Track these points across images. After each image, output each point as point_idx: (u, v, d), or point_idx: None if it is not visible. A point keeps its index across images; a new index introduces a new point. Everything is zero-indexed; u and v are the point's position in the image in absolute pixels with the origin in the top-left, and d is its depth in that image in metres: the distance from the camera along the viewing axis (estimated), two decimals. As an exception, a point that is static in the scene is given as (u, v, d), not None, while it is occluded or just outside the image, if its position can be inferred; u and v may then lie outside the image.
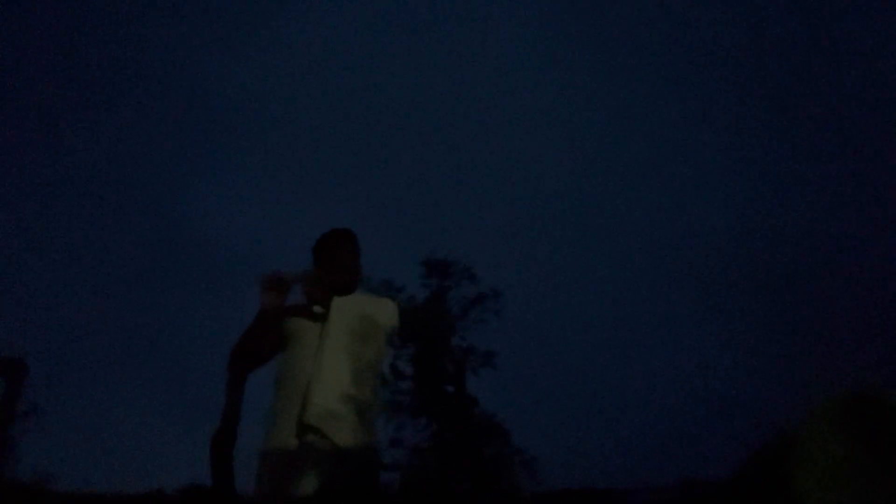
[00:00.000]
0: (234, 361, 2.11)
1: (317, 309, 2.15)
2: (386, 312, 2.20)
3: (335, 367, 2.03)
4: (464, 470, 18.42)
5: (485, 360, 19.52)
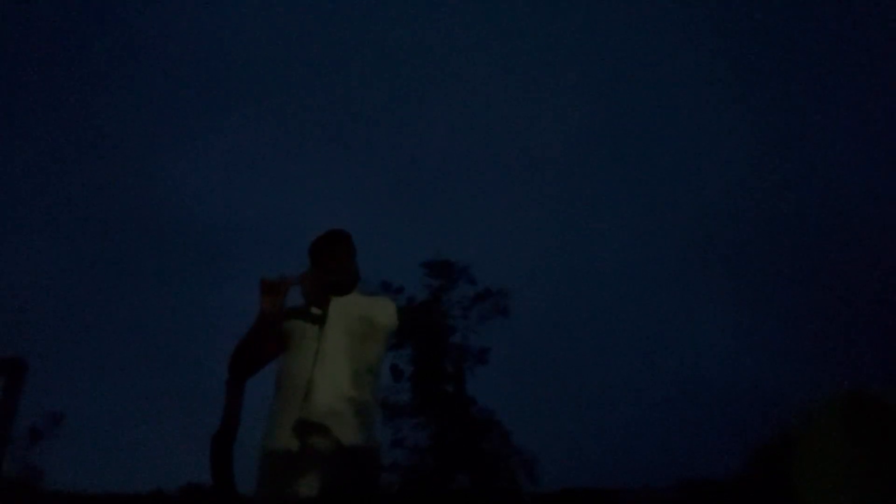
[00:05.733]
0: (235, 365, 2.12)
1: (315, 311, 2.15)
2: (385, 312, 2.19)
3: (334, 368, 2.03)
4: (463, 469, 18.40)
5: (479, 358, 19.53)
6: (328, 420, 1.94)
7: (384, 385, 18.47)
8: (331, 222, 2.36)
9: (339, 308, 2.12)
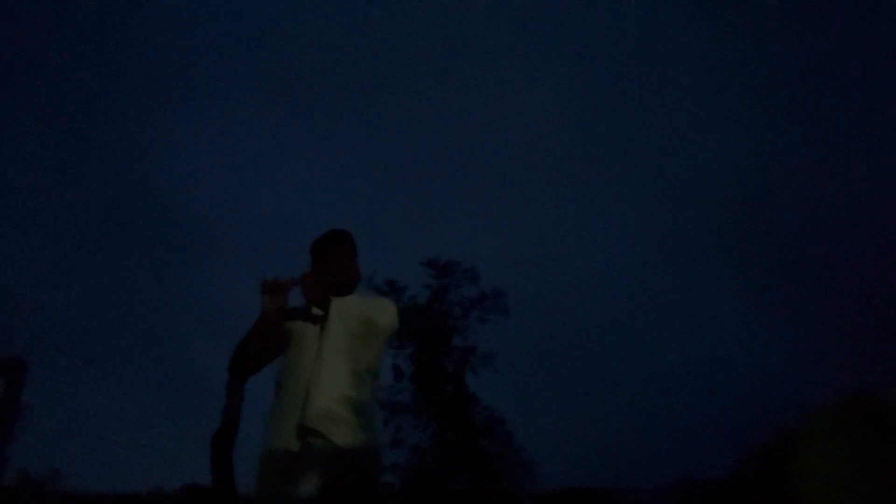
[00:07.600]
0: (236, 366, 2.12)
1: (315, 311, 2.15)
2: (385, 313, 2.19)
3: (334, 368, 2.03)
4: (464, 469, 18.42)
5: (485, 362, 19.55)
6: (327, 421, 1.94)
7: (384, 385, 18.48)
8: (331, 220, 2.36)
9: (339, 309, 2.13)
